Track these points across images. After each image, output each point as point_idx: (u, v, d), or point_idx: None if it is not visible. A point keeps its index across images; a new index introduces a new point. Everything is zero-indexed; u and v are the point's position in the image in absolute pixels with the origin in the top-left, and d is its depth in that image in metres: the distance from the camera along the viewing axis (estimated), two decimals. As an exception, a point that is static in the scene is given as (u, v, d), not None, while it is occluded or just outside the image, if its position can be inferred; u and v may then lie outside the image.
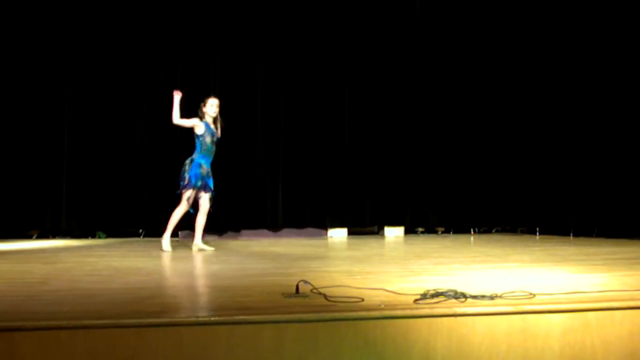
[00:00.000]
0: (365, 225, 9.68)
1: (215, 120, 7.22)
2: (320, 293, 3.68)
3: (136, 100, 9.08)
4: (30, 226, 8.97)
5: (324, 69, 9.44)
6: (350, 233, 9.48)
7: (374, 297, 3.61)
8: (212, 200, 7.24)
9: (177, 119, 7.00)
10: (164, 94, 8.88)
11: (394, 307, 3.34)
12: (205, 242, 7.35)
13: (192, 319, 3.07)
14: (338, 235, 9.37)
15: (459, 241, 8.47)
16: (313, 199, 9.34)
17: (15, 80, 8.75)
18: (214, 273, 5.12)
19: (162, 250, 6.99)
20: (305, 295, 3.65)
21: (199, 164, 7.04)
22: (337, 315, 3.19)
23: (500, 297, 3.49)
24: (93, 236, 9.09)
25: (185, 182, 7.00)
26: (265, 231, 9.19)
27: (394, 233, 9.58)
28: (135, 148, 9.06)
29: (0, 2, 8.66)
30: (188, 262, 5.96)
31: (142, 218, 9.11)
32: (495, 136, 9.83)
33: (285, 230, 9.27)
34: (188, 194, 7.01)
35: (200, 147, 7.09)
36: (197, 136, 7.09)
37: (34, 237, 8.95)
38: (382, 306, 3.35)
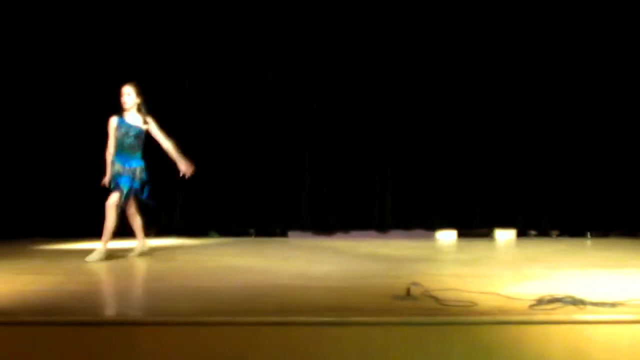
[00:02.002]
0: (475, 227, 9.47)
1: (138, 110, 6.32)
2: (431, 296, 3.63)
3: (247, 100, 9.28)
4: (146, 225, 9.32)
5: (432, 65, 9.29)
6: (459, 235, 9.31)
7: (486, 301, 3.53)
8: (122, 199, 6.27)
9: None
10: (268, 94, 9.18)
11: (507, 312, 3.25)
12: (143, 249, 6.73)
13: (305, 319, 3.10)
14: (447, 237, 9.22)
15: (574, 245, 8.14)
16: (422, 200, 9.23)
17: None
18: (324, 274, 5.15)
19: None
20: (415, 298, 3.62)
21: (112, 162, 6.24)
22: (449, 319, 3.14)
23: (623, 304, 3.33)
24: (205, 235, 9.35)
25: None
26: (374, 232, 9.17)
27: (505, 236, 9.33)
28: (246, 148, 9.25)
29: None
30: (297, 263, 6.03)
31: (253, 217, 9.30)
32: (614, 134, 9.39)
33: (393, 232, 9.22)
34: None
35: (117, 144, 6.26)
36: None
37: (150, 235, 9.29)
38: (496, 311, 3.27)
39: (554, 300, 3.42)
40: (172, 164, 9.10)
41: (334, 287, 4.35)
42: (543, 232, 9.56)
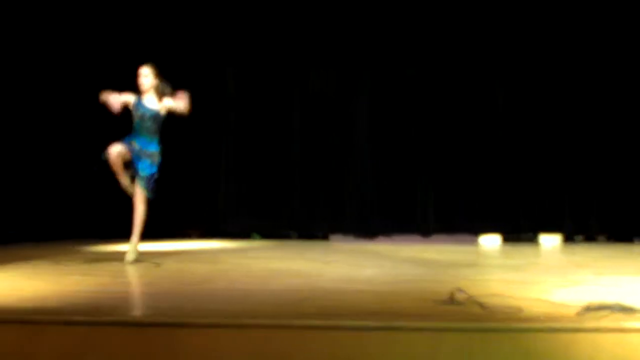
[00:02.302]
0: (519, 232, 9.34)
1: (156, 91, 6.08)
2: (475, 302, 3.59)
3: (289, 102, 9.35)
4: (189, 227, 9.45)
5: (475, 67, 9.23)
6: (503, 240, 9.20)
7: (532, 307, 3.47)
8: (149, 189, 6.09)
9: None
10: (310, 96, 9.21)
11: (555, 319, 3.19)
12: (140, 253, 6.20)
13: (349, 323, 3.09)
14: (490, 242, 9.12)
15: (622, 250, 7.98)
16: (465, 204, 9.15)
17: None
18: (368, 278, 5.14)
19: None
20: (460, 303, 3.58)
21: (129, 140, 6.00)
22: (495, 325, 3.09)
23: (674, 312, 3.25)
24: (248, 237, 9.41)
25: None
26: (416, 236, 9.12)
27: (550, 241, 9.18)
28: (289, 151, 9.31)
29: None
30: (340, 266, 6.02)
31: (295, 220, 9.33)
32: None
33: (435, 236, 9.15)
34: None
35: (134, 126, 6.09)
36: None
37: (193, 237, 9.40)
38: (542, 318, 3.21)
39: (602, 307, 3.34)
40: (216, 166, 9.29)
41: (377, 291, 4.33)
42: (590, 237, 9.38)
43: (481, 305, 3.49)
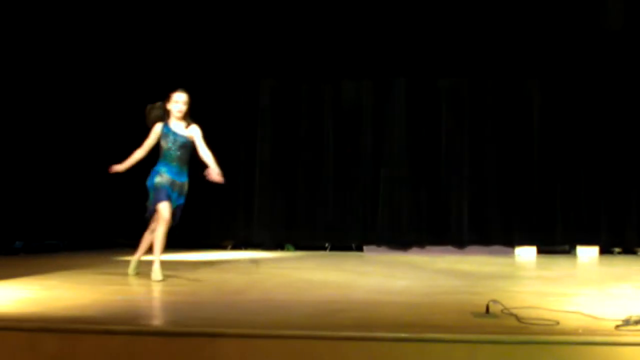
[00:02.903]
0: (555, 243, 9.23)
1: (184, 117, 5.77)
2: (511, 314, 3.57)
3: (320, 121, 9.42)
4: (224, 237, 9.52)
5: (511, 78, 9.19)
6: (539, 252, 9.10)
7: (570, 320, 3.45)
8: (175, 219, 5.85)
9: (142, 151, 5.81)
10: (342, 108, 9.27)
11: (593, 332, 3.16)
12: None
13: (384, 335, 3.10)
14: (526, 254, 9.02)
15: (661, 263, 7.86)
16: (500, 215, 9.08)
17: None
18: (403, 289, 5.14)
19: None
20: (495, 316, 3.57)
21: (158, 171, 5.71)
22: (532, 338, 3.07)
23: None
24: (282, 248, 9.45)
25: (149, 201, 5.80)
26: (450, 247, 9.06)
27: (587, 253, 9.05)
28: (321, 163, 9.34)
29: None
30: (374, 278, 6.03)
31: (327, 232, 9.34)
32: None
33: (470, 248, 9.09)
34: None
35: (160, 153, 5.76)
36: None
37: (228, 248, 9.46)
38: (580, 331, 3.19)
39: (641, 321, 3.31)
40: (251, 177, 9.36)
41: (412, 302, 4.33)
42: (628, 249, 9.24)
43: (517, 317, 3.47)
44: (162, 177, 5.66)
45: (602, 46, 9.04)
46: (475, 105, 9.22)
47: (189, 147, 5.78)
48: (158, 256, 5.54)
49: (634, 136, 9.05)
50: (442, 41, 9.05)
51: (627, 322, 3.30)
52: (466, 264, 7.50)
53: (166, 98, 5.75)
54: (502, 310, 3.66)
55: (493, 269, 6.88)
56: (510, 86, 9.24)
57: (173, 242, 9.11)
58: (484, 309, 3.67)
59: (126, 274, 5.76)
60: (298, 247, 9.48)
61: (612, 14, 8.91)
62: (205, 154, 5.77)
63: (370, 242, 9.24)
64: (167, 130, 5.69)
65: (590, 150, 9.09)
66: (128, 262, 5.90)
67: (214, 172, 5.69)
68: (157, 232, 5.60)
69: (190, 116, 5.83)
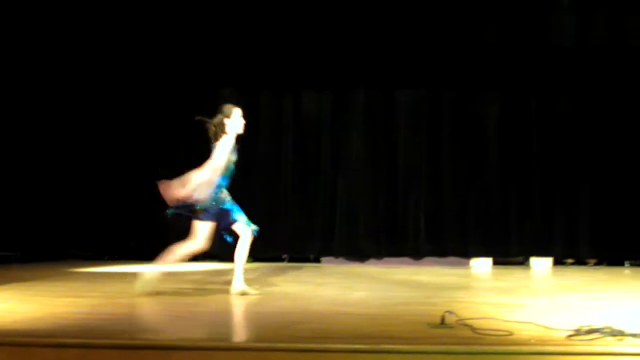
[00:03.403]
0: (510, 255, 9.37)
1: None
2: (466, 324, 3.61)
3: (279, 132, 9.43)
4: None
5: (470, 92, 9.33)
6: (494, 263, 9.23)
7: (523, 331, 3.50)
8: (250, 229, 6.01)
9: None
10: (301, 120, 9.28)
11: (545, 342, 3.22)
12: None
13: (340, 346, 3.11)
14: (481, 265, 9.14)
15: (612, 274, 8.01)
16: (456, 227, 9.18)
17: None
18: (360, 301, 5.16)
19: None
20: (451, 326, 3.60)
21: (222, 186, 5.71)
22: (486, 348, 3.11)
23: (663, 336, 3.28)
24: (240, 260, 9.38)
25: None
26: (407, 259, 9.12)
27: (541, 264, 9.21)
28: (279, 174, 9.34)
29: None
30: (332, 289, 6.03)
31: (284, 243, 9.32)
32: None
33: (427, 259, 9.17)
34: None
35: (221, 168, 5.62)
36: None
37: (186, 260, 9.36)
38: (533, 341, 3.24)
39: (592, 330, 3.37)
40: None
41: (369, 314, 4.35)
42: (580, 261, 9.42)
43: (472, 328, 3.51)
44: (223, 193, 5.65)
45: (557, 60, 9.25)
46: (433, 116, 9.32)
47: None
48: (157, 267, 5.53)
49: (587, 151, 9.26)
50: (400, 53, 9.15)
51: (578, 332, 3.36)
52: (422, 275, 7.57)
53: (222, 113, 5.77)
54: (457, 321, 3.70)
55: (449, 280, 6.95)
56: (467, 98, 9.37)
57: (131, 254, 9.09)
58: (439, 320, 3.70)
59: (77, 287, 5.68)
60: (255, 258, 9.43)
61: (566, 30, 9.16)
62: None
63: (328, 254, 9.25)
64: (234, 149, 5.67)
65: (545, 164, 9.27)
66: (81, 273, 5.80)
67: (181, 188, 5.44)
68: (181, 247, 5.60)
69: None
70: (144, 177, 9.23)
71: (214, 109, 9.40)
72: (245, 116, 9.31)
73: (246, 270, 7.91)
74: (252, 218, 9.16)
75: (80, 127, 9.22)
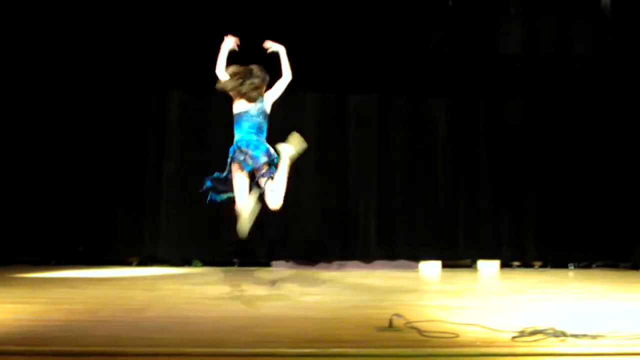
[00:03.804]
0: (458, 258, 9.50)
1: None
2: (413, 327, 3.64)
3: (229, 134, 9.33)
4: (130, 253, 9.30)
5: (419, 92, 9.45)
6: (443, 266, 9.33)
7: (469, 333, 3.55)
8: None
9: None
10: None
11: (490, 344, 3.27)
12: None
13: (286, 350, 3.10)
14: (430, 268, 9.23)
15: (557, 276, 8.19)
16: (406, 231, 9.26)
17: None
18: (309, 304, 5.15)
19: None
20: (398, 330, 3.63)
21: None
22: (432, 351, 3.15)
23: (604, 337, 3.36)
24: (189, 264, 9.31)
25: None
26: (358, 262, 9.16)
27: (488, 267, 9.35)
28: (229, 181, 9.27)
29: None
30: (283, 293, 6.02)
31: (235, 247, 9.26)
32: (595, 165, 9.52)
33: (377, 262, 9.22)
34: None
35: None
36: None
37: (133, 264, 9.25)
38: (478, 343, 3.28)
39: (536, 332, 3.44)
40: (157, 194, 9.20)
41: (318, 317, 4.35)
42: (526, 264, 9.61)
43: (419, 330, 3.55)
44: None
45: (504, 67, 9.45)
46: (383, 120, 9.39)
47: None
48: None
49: (533, 155, 9.46)
50: (352, 58, 9.19)
51: (522, 334, 3.42)
52: (372, 278, 7.61)
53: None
54: (405, 324, 3.73)
55: (398, 283, 7.01)
56: (417, 103, 9.46)
57: (79, 258, 8.92)
58: (387, 323, 3.72)
59: (21, 294, 5.55)
60: (205, 262, 9.36)
61: (513, 37, 9.35)
62: None
63: (278, 257, 9.23)
64: None
65: (492, 168, 9.43)
66: (27, 279, 5.68)
67: None
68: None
69: None
70: (93, 181, 9.11)
71: (163, 111, 9.40)
72: (194, 119, 9.38)
73: (195, 275, 7.90)
74: (202, 221, 9.18)
75: (25, 129, 9.01)
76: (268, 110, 5.87)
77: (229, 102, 9.37)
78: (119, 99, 9.20)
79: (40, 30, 8.86)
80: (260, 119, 5.67)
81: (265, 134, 5.81)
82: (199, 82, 9.21)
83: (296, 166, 9.16)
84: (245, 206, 5.58)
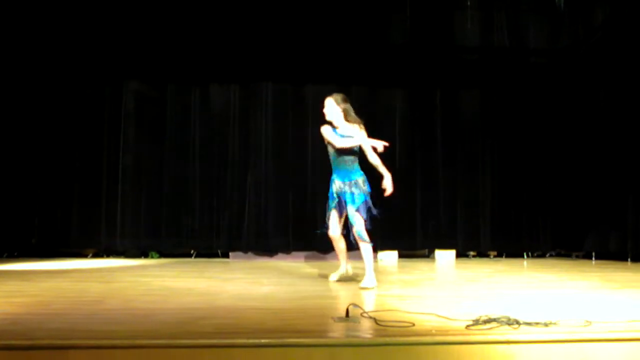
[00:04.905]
0: (415, 248, 9.61)
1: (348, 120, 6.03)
2: (370, 317, 3.66)
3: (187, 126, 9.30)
4: (85, 245, 9.18)
5: (377, 83, 9.49)
6: (400, 256, 9.42)
7: (425, 322, 3.58)
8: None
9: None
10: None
11: (445, 332, 3.30)
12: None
13: (244, 341, 3.09)
14: (388, 258, 9.31)
15: (512, 266, 8.33)
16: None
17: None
18: (265, 295, 5.15)
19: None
20: (355, 319, 3.65)
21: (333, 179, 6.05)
22: (388, 340, 3.17)
23: (556, 324, 3.42)
24: (146, 256, 9.23)
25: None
26: (315, 253, 9.19)
27: (445, 257, 9.48)
28: (188, 169, 9.22)
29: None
30: (239, 284, 6.00)
31: (192, 238, 9.22)
32: (548, 156, 9.69)
33: (334, 253, 9.23)
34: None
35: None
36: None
37: (89, 256, 9.14)
38: (434, 331, 3.32)
39: (490, 320, 3.49)
40: (114, 185, 9.09)
41: (276, 308, 4.35)
42: (482, 253, 9.76)
43: (376, 320, 3.57)
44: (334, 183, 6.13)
45: (460, 59, 9.55)
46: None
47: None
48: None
49: (489, 146, 9.60)
50: (309, 49, 9.19)
51: (476, 322, 3.47)
52: (330, 269, 7.62)
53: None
54: (361, 314, 3.75)
55: (356, 273, 7.02)
56: (375, 93, 9.51)
57: (32, 251, 8.77)
58: (344, 313, 3.74)
59: None
60: (162, 254, 9.29)
61: (469, 29, 9.45)
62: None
63: (236, 249, 9.21)
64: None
65: (448, 159, 9.55)
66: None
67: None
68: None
69: None
70: (47, 172, 8.96)
71: (118, 100, 9.26)
72: (151, 110, 9.28)
73: (152, 266, 7.83)
74: (158, 212, 9.10)
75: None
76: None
77: (184, 95, 9.35)
78: (74, 89, 9.08)
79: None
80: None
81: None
82: (156, 72, 9.15)
83: (254, 159, 9.27)
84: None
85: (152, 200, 9.14)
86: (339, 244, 6.10)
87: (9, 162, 8.83)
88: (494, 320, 3.48)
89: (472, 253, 9.84)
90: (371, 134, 9.40)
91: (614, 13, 8.80)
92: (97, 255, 9.18)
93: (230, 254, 9.22)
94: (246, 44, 9.10)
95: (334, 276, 6.21)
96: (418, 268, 7.99)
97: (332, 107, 5.92)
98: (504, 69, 9.64)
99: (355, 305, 3.82)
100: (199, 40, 9.03)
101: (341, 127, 5.89)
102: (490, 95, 9.72)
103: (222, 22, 9.01)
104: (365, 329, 3.39)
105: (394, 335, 3.23)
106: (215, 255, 9.30)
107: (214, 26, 9.02)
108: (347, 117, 5.91)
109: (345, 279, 6.16)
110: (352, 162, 5.95)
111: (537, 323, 3.41)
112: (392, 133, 9.50)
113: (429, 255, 9.72)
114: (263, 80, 9.32)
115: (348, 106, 5.94)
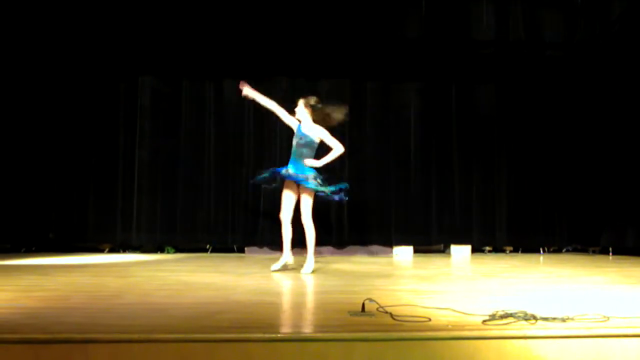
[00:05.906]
0: (431, 243, 9.59)
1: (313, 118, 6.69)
2: (386, 312, 3.66)
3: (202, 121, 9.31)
4: (102, 240, 9.24)
5: (392, 78, 9.46)
6: (416, 251, 9.40)
7: (441, 316, 3.58)
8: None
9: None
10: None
11: (461, 327, 3.29)
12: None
13: (260, 335, 3.10)
14: (403, 253, 9.30)
15: (528, 261, 8.30)
16: (379, 217, 9.31)
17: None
18: (282, 290, 5.16)
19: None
20: (371, 314, 3.64)
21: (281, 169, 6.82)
22: (404, 335, 3.16)
23: (573, 319, 3.41)
24: (162, 251, 9.28)
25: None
26: (331, 248, 9.19)
27: (460, 252, 9.45)
28: (200, 166, 9.24)
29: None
30: (256, 279, 6.02)
31: (208, 233, 9.25)
32: (565, 151, 9.63)
33: (350, 248, 9.26)
34: None
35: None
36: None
37: (105, 251, 9.20)
38: (450, 326, 3.31)
39: (506, 315, 3.48)
40: (130, 181, 9.13)
41: (291, 302, 4.36)
42: (497, 249, 9.72)
43: (392, 315, 3.56)
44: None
45: (476, 53, 9.49)
46: (356, 106, 9.37)
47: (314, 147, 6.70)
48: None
49: (505, 142, 9.55)
50: (324, 44, 9.17)
51: (493, 317, 3.46)
52: (345, 263, 7.64)
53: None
54: (377, 309, 3.75)
55: (371, 268, 7.04)
56: (390, 88, 9.49)
57: (49, 246, 8.84)
58: (360, 308, 3.74)
59: None
60: (178, 249, 9.34)
61: (485, 23, 9.39)
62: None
63: (251, 243, 9.23)
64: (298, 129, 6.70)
65: (464, 154, 9.51)
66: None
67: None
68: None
69: None
70: (64, 168, 9.02)
71: (133, 96, 9.30)
72: (166, 105, 9.31)
73: (167, 261, 7.87)
74: (174, 207, 9.14)
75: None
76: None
77: (199, 90, 9.36)
78: (90, 86, 9.14)
79: (8, 17, 8.71)
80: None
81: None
82: (171, 68, 9.18)
83: (269, 154, 9.27)
84: None
85: (167, 195, 9.18)
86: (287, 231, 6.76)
87: (27, 158, 8.90)
88: (511, 315, 3.47)
89: (487, 248, 9.80)
90: (386, 129, 9.45)
91: (631, 6, 8.71)
92: (113, 250, 9.24)
93: (245, 248, 9.25)
94: (260, 39, 9.09)
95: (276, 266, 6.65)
96: (433, 263, 7.97)
97: (301, 108, 6.72)
98: (519, 62, 9.57)
99: (371, 300, 3.82)
100: (213, 35, 9.03)
101: (305, 126, 6.65)
102: (505, 90, 9.68)
103: (236, 17, 9.01)
104: (381, 324, 3.39)
105: (410, 330, 3.23)
106: (231, 250, 9.33)
107: (228, 22, 9.02)
108: (313, 118, 6.66)
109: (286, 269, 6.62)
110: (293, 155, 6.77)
111: (554, 318, 3.40)
112: (407, 128, 9.49)
113: (444, 250, 9.69)
114: (277, 75, 9.31)
115: (317, 108, 6.68)
